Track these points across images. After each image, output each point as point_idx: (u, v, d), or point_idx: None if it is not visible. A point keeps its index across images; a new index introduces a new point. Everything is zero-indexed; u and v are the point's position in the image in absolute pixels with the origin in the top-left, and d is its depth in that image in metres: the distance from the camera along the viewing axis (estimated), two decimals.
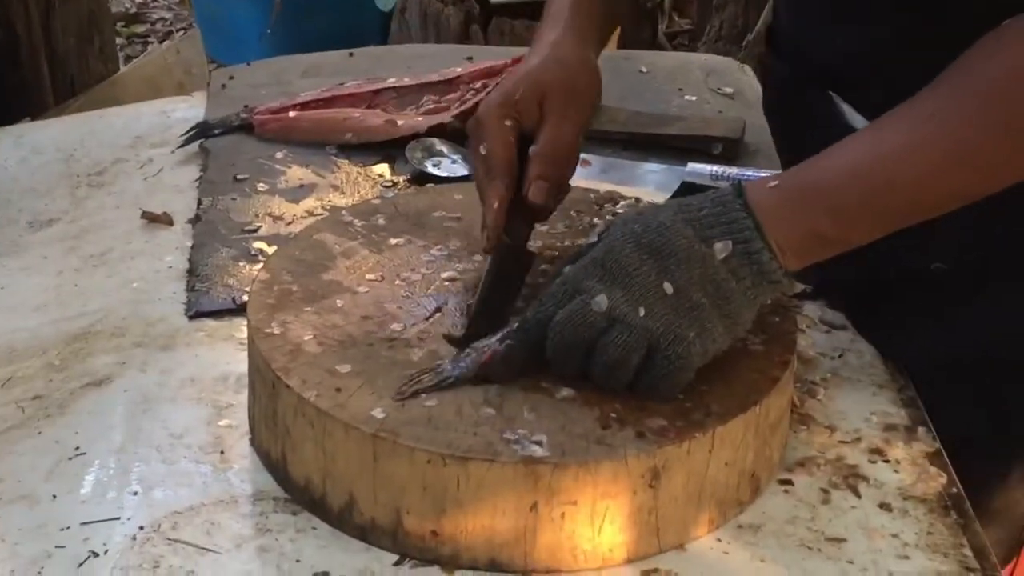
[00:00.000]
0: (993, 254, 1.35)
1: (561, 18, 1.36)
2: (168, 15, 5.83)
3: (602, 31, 1.42)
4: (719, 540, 1.16)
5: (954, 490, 1.23)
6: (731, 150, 1.77)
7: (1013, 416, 1.42)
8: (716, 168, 1.69)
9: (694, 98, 1.95)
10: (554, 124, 1.27)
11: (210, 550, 1.13)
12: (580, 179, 1.66)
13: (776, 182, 1.18)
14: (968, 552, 1.16)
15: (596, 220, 1.42)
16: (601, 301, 1.12)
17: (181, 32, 5.38)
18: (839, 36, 1.36)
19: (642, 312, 1.13)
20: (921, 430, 1.30)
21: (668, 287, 1.13)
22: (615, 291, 1.13)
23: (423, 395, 1.14)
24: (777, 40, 1.52)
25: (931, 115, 1.15)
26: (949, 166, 1.15)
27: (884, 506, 1.21)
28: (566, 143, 1.28)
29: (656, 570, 1.13)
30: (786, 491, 1.22)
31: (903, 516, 1.20)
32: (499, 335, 1.18)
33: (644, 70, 2.05)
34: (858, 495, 1.22)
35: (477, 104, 1.81)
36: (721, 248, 1.14)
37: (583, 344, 1.13)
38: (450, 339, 1.22)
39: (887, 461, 1.26)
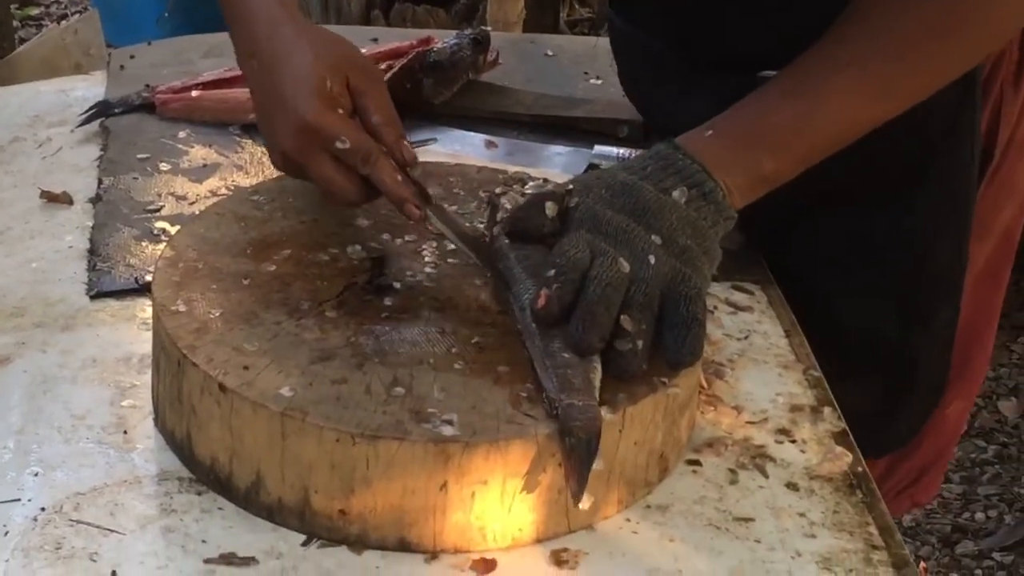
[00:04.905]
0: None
1: (275, 13, 1.37)
2: None
3: None
4: (628, 520, 1.16)
5: (859, 469, 1.24)
6: (637, 132, 1.78)
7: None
8: (623, 151, 1.69)
9: (600, 81, 1.95)
10: (374, 93, 1.31)
11: (114, 531, 1.11)
12: (487, 161, 1.67)
13: (711, 131, 1.28)
14: (873, 530, 1.17)
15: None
16: (623, 264, 1.16)
17: (76, 15, 5.29)
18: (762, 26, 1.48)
19: (652, 260, 1.17)
20: (827, 410, 1.31)
21: (656, 238, 1.19)
22: (623, 251, 1.17)
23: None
24: (660, 24, 1.62)
25: (849, 62, 1.30)
26: (872, 103, 1.31)
27: (791, 486, 1.21)
28: (391, 103, 1.32)
29: (566, 549, 1.12)
30: (694, 471, 1.22)
31: (809, 495, 1.21)
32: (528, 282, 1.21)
33: (550, 53, 2.05)
34: (765, 475, 1.22)
35: None
36: (679, 195, 1.22)
37: (617, 303, 1.15)
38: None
39: (793, 441, 1.27)
